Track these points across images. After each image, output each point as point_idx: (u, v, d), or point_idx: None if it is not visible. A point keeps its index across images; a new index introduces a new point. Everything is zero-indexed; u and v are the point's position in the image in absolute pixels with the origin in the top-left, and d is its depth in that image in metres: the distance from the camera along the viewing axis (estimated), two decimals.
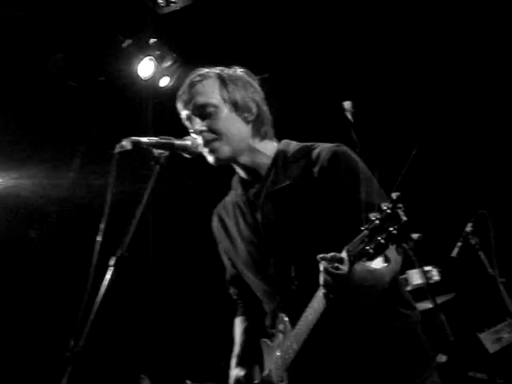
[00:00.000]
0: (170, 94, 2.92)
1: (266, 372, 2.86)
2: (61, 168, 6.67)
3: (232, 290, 3.18)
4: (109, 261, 2.31)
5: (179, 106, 2.83)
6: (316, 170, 2.65)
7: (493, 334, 4.88)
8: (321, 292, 2.33)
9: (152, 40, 6.10)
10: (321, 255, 2.23)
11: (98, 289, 2.28)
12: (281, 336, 2.73)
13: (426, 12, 5.77)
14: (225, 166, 2.85)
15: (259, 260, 2.82)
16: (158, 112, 6.58)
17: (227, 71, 2.83)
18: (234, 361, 3.03)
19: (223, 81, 2.78)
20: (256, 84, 2.87)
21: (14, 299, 6.25)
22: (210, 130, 2.72)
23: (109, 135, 5.89)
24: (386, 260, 2.33)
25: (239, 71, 2.86)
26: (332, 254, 2.20)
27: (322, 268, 2.22)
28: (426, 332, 2.75)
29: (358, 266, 2.18)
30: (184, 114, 2.81)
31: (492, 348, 4.85)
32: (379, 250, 2.03)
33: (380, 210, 1.99)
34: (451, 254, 5.02)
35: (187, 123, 2.82)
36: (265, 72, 3.04)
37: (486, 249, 5.02)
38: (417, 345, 2.67)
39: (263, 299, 2.91)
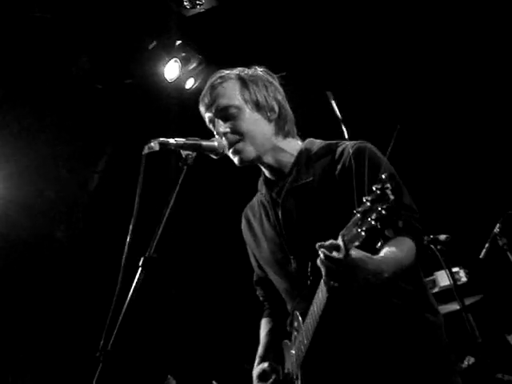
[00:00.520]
0: (196, 96, 2.92)
1: (285, 371, 2.86)
2: (88, 169, 6.74)
3: (259, 292, 3.19)
4: (138, 262, 2.33)
5: (202, 109, 2.85)
6: (339, 166, 2.65)
7: None
8: (322, 284, 2.31)
9: (177, 42, 6.12)
10: (319, 243, 2.19)
11: (127, 289, 2.29)
12: (295, 333, 2.73)
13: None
14: (253, 168, 2.86)
15: (281, 258, 2.82)
16: (184, 113, 6.61)
17: (247, 71, 2.84)
18: (257, 361, 3.03)
19: (244, 81, 2.79)
20: (276, 83, 2.88)
21: (44, 300, 6.32)
22: (234, 131, 2.74)
23: (135, 137, 5.95)
24: (392, 249, 2.31)
25: (259, 71, 2.87)
26: (330, 241, 2.16)
27: (320, 255, 2.18)
28: (453, 334, 2.72)
29: (354, 252, 2.13)
30: (207, 116, 2.83)
31: None
32: (372, 233, 1.99)
33: (370, 192, 1.97)
34: (479, 256, 4.99)
35: (210, 126, 2.84)
36: (286, 70, 3.02)
37: None
38: (438, 351, 2.61)
39: (285, 298, 2.91)
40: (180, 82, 6.31)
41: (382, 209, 1.93)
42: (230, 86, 2.79)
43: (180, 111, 6.73)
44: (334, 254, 2.13)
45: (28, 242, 6.40)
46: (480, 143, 6.00)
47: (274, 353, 2.97)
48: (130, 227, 2.33)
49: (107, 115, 6.48)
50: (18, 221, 6.27)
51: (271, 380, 2.86)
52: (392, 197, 1.92)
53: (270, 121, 2.79)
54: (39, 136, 6.24)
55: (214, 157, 2.72)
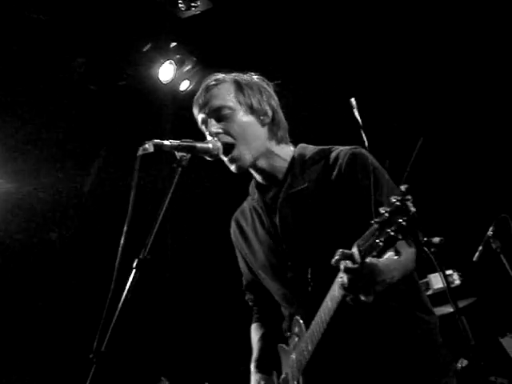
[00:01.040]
0: (190, 98, 2.92)
1: (283, 376, 2.86)
2: (82, 171, 6.73)
3: (248, 297, 3.19)
4: (132, 263, 2.33)
5: (195, 110, 2.85)
6: (334, 172, 2.66)
7: None
8: (335, 292, 2.32)
9: (172, 44, 6.12)
10: (336, 257, 2.19)
11: (121, 291, 2.29)
12: (296, 339, 2.73)
13: (430, 5, 5.78)
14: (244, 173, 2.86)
15: (277, 264, 2.82)
16: (178, 115, 6.61)
17: (242, 76, 2.85)
18: (253, 365, 3.04)
19: (239, 85, 2.80)
20: (271, 89, 2.89)
21: (38, 302, 6.31)
22: (226, 132, 2.73)
23: (129, 138, 5.94)
24: (397, 254, 2.32)
25: (254, 77, 2.88)
26: (340, 251, 2.18)
27: (342, 267, 2.18)
28: (447, 336, 2.74)
29: (368, 260, 2.14)
30: (200, 117, 2.83)
31: None
32: (389, 243, 2.00)
33: (389, 204, 1.97)
34: (473, 259, 5.01)
35: (203, 127, 2.83)
36: (281, 77, 3.03)
37: (507, 253, 5.00)
38: (434, 350, 2.65)
39: (282, 303, 2.91)
40: (175, 83, 6.32)
41: (402, 220, 1.94)
42: (225, 88, 2.79)
43: (174, 113, 6.73)
44: (349, 263, 2.15)
45: (22, 243, 6.39)
46: (473, 146, 6.02)
47: (270, 357, 2.97)
48: (124, 229, 2.33)
49: (101, 117, 6.48)
50: (12, 222, 6.26)
51: None
52: (413, 209, 1.93)
53: (263, 125, 2.79)
54: (33, 138, 6.23)
55: (209, 159, 2.71)
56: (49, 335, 6.30)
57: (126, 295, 2.28)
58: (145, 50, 6.01)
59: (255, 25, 6.06)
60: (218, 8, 5.85)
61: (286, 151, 2.84)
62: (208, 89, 2.80)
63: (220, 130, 2.73)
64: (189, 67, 6.30)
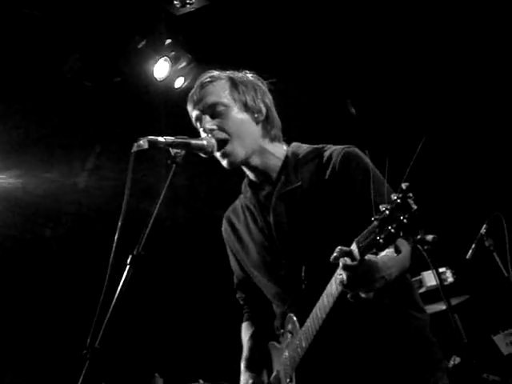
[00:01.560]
0: (185, 95, 2.92)
1: (274, 374, 2.87)
2: (76, 168, 6.72)
3: (239, 295, 3.19)
4: (125, 259, 2.33)
5: (189, 107, 2.85)
6: (327, 171, 2.67)
7: (507, 336, 4.87)
8: (332, 289, 2.33)
9: (167, 41, 6.11)
10: (334, 254, 2.20)
11: (115, 287, 2.29)
12: (289, 336, 2.74)
13: (432, 5, 5.78)
14: (237, 170, 2.86)
15: (270, 262, 2.82)
16: (173, 112, 6.60)
17: (237, 74, 2.86)
18: (242, 364, 3.05)
19: (233, 82, 2.81)
20: (265, 88, 2.90)
21: (31, 299, 6.30)
22: (220, 128, 2.73)
23: (124, 135, 5.94)
24: (397, 251, 2.33)
25: (249, 75, 2.89)
26: (339, 248, 2.19)
27: (341, 265, 2.19)
28: (439, 334, 2.75)
29: (367, 257, 2.16)
30: (194, 114, 2.83)
31: (506, 350, 4.85)
32: (389, 240, 2.00)
33: (390, 201, 1.98)
34: (466, 256, 5.02)
35: (197, 124, 2.83)
36: (276, 75, 3.04)
37: (500, 251, 5.02)
38: (425, 347, 2.66)
39: (274, 301, 2.92)
40: (169, 80, 6.30)
41: (403, 217, 1.94)
42: (220, 84, 2.80)
43: (169, 110, 6.72)
44: (348, 260, 2.16)
45: (16, 240, 6.39)
46: (467, 144, 6.04)
47: (259, 355, 2.98)
48: (119, 225, 2.33)
49: (96, 113, 6.47)
50: (6, 219, 6.25)
51: None
52: (415, 206, 1.94)
53: (257, 122, 2.80)
54: (28, 134, 6.22)
55: (203, 155, 2.72)
56: (42, 331, 6.30)
57: (120, 291, 2.29)
58: (140, 46, 5.99)
59: (250, 22, 6.05)
60: (213, 5, 5.85)
61: (280, 149, 2.85)
62: (203, 85, 2.81)
63: (214, 127, 2.73)
64: (184, 64, 6.29)
